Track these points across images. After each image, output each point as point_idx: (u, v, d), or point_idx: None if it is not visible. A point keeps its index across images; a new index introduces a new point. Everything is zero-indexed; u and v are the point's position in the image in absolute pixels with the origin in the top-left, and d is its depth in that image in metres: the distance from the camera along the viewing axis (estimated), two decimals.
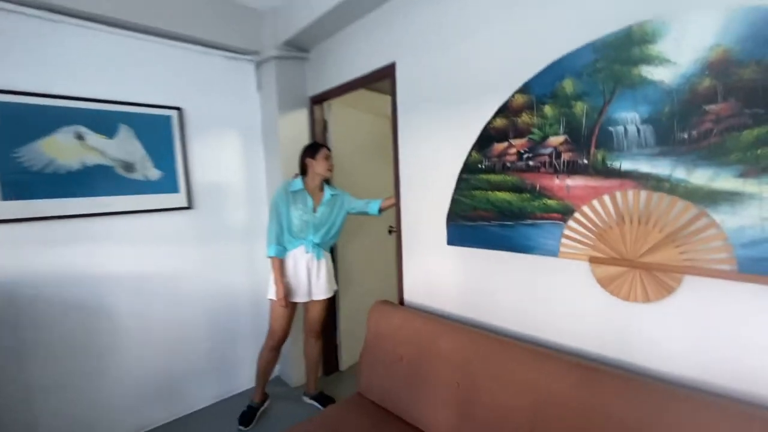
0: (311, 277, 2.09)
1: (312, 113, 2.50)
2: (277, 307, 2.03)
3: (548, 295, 1.36)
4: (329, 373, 2.62)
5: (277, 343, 2.11)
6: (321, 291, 2.12)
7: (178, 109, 2.13)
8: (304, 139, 2.48)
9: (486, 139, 1.51)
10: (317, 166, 2.08)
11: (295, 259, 2.06)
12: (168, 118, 2.10)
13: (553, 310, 1.35)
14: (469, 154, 1.57)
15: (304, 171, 2.12)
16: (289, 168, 2.38)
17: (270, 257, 2.02)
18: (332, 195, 2.14)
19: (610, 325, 1.21)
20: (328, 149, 2.14)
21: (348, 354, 2.69)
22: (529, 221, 1.40)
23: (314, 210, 2.07)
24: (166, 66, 2.11)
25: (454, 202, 1.64)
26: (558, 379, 1.15)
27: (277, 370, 2.64)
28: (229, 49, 2.29)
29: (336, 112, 2.58)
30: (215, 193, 2.32)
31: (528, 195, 1.39)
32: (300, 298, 2.08)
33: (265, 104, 2.44)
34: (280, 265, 2.02)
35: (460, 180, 1.61)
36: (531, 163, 1.38)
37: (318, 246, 2.07)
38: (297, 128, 2.45)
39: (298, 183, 2.08)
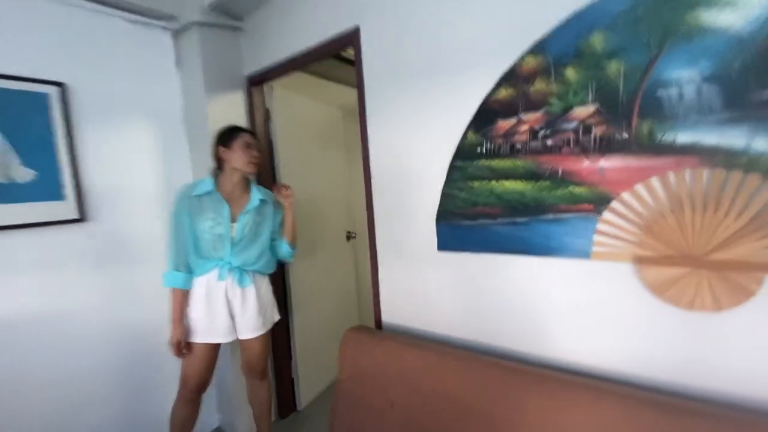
0: (234, 311, 1.52)
1: (250, 98, 2.03)
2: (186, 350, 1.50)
3: (580, 309, 1.08)
4: (285, 415, 2.15)
5: (192, 394, 1.55)
6: (250, 327, 1.55)
7: (59, 84, 1.54)
8: None
9: (486, 115, 1.20)
10: (234, 158, 1.52)
11: (208, 287, 1.49)
12: (42, 96, 1.51)
13: (587, 327, 1.07)
14: (464, 136, 1.25)
15: (220, 165, 1.57)
16: None
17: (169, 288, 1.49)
18: (261, 201, 1.57)
19: (668, 342, 0.95)
20: (252, 134, 1.59)
21: (307, 389, 2.24)
22: (550, 215, 1.11)
23: (233, 220, 1.51)
24: (41, 27, 1.52)
25: (446, 197, 1.31)
26: (625, 424, 0.86)
27: (217, 420, 2.10)
28: (134, 11, 1.74)
29: (280, 97, 2.13)
30: (120, 199, 1.75)
31: (547, 183, 1.10)
32: (218, 337, 1.51)
33: (188, 85, 1.92)
34: (180, 298, 1.48)
35: (453, 169, 1.29)
36: (549, 142, 1.09)
37: (240, 270, 1.51)
38: (231, 116, 1.96)
39: (207, 184, 1.52)
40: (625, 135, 0.98)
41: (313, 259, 2.32)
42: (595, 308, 1.05)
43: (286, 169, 2.13)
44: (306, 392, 2.23)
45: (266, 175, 2.08)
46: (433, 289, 1.38)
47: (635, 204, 0.98)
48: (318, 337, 2.35)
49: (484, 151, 1.21)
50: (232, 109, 1.98)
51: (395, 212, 1.47)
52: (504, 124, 1.17)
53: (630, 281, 1.00)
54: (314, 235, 2.34)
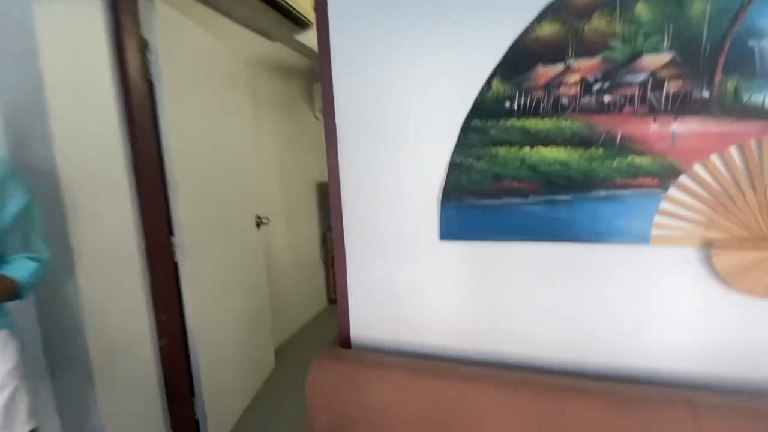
0: None
1: (116, 12, 1.31)
2: None
3: (634, 303, 0.90)
4: None
5: None
6: None
7: None
8: (97, 63, 1.29)
9: (521, 58, 0.90)
10: None
11: None
12: None
13: (642, 324, 0.90)
14: (487, 87, 0.93)
15: None
16: (69, 120, 1.18)
17: None
18: None
19: (740, 336, 0.84)
20: None
21: (217, 425, 1.67)
22: (602, 192, 0.89)
23: None
24: None
25: (456, 168, 0.98)
26: None
27: None
28: None
29: (166, 20, 1.45)
30: None
31: (601, 151, 0.88)
32: None
33: None
34: None
35: (468, 131, 0.96)
36: (607, 98, 0.86)
37: None
38: (81, 37, 1.23)
39: None
40: (705, 93, 0.80)
41: (213, 255, 1.72)
42: (653, 301, 0.88)
43: (173, 129, 1.47)
44: (216, 428, 1.66)
45: (145, 135, 1.40)
46: (431, 291, 1.05)
47: (707, 178, 0.82)
48: (226, 358, 1.78)
49: (515, 107, 0.92)
50: (83, 26, 1.24)
51: (374, 188, 1.08)
52: (546, 72, 0.89)
53: (696, 269, 0.85)
54: (214, 222, 1.73)
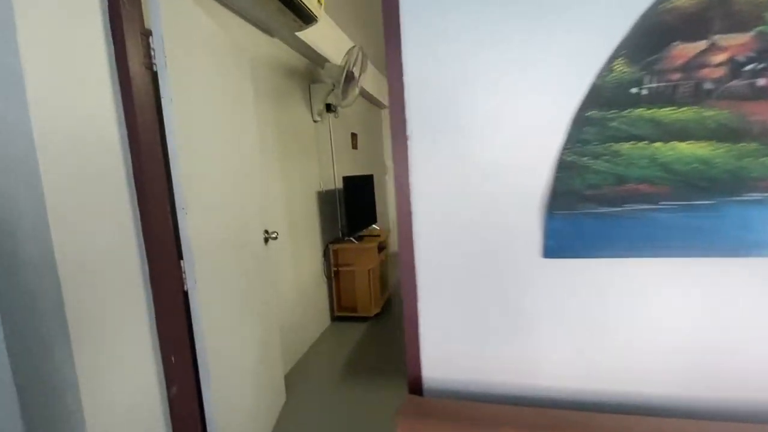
0: None
1: None
2: None
3: None
4: None
5: None
6: None
7: None
8: (92, 49, 1.04)
9: (652, 34, 0.74)
10: None
11: None
12: None
13: None
14: (608, 69, 0.77)
15: None
16: (55, 119, 0.93)
17: None
18: None
19: None
20: None
21: None
22: (754, 195, 0.74)
23: None
24: None
25: (567, 169, 0.81)
26: None
27: None
28: None
29: (173, 6, 1.21)
30: None
31: (754, 145, 0.73)
32: None
33: None
34: None
35: (583, 123, 0.79)
36: (762, 81, 0.71)
37: None
38: (72, 26, 0.98)
39: None
40: None
41: (225, 279, 1.46)
42: None
43: (180, 129, 1.23)
44: None
45: (149, 137, 1.15)
46: (533, 322, 0.86)
47: None
48: (239, 399, 1.52)
49: (644, 93, 0.76)
50: (74, 10, 0.99)
51: (454, 196, 0.88)
52: (684, 51, 0.74)
53: None
54: (226, 239, 1.48)
